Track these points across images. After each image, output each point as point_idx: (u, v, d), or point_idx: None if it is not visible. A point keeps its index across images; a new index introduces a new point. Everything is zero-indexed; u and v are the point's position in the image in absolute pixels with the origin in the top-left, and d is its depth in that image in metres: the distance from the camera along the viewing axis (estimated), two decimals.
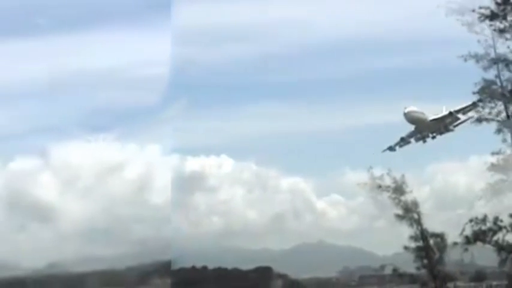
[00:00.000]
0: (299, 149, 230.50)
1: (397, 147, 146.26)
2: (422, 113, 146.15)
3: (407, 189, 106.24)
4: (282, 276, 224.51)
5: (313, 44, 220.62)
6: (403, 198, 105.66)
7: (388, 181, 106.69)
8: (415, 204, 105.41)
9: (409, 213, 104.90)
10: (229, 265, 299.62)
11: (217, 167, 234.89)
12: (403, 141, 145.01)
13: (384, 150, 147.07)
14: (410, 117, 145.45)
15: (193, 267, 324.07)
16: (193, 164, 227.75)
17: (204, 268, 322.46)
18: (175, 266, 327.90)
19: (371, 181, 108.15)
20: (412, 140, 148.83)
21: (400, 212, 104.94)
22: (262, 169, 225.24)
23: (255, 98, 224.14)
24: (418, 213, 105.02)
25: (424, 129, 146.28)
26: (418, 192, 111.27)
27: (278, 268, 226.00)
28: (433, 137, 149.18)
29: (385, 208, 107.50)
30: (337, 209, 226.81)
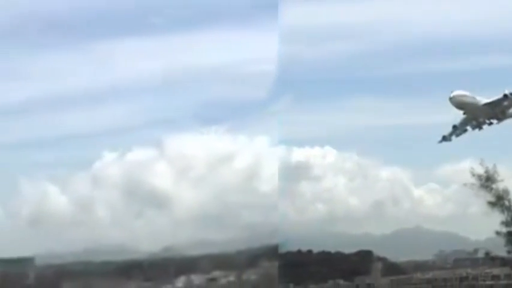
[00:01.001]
0: (398, 141, 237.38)
1: (452, 137, 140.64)
2: (473, 97, 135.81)
3: (499, 178, 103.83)
4: (382, 259, 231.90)
5: (411, 42, 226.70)
6: (494, 186, 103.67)
7: (480, 170, 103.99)
8: (506, 192, 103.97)
9: (501, 200, 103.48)
10: (332, 249, 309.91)
11: (321, 157, 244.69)
12: (457, 129, 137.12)
13: (440, 141, 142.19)
14: (456, 102, 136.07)
15: (299, 251, 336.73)
16: (298, 155, 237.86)
17: (309, 251, 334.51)
18: (282, 250, 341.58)
19: (469, 171, 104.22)
20: (469, 128, 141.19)
21: (492, 199, 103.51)
22: (363, 159, 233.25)
23: (357, 92, 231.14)
24: (509, 201, 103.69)
25: (477, 114, 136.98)
26: (509, 180, 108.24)
27: (378, 251, 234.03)
28: (490, 123, 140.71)
29: (478, 196, 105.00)
30: (433, 196, 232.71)
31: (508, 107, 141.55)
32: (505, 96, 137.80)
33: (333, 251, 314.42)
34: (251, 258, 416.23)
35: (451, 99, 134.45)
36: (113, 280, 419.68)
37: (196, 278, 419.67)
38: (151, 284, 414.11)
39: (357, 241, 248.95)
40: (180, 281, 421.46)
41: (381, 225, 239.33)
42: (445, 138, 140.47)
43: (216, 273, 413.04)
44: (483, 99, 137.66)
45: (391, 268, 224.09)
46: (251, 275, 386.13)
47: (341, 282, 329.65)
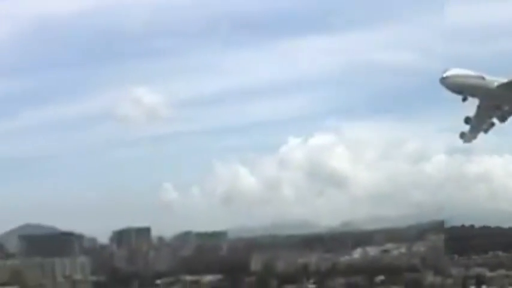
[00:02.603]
0: None
1: (473, 134, 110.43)
2: (479, 77, 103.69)
3: None
4: None
5: None
6: None
7: None
8: None
9: None
10: (492, 223, 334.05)
11: (483, 141, 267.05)
12: (471, 122, 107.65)
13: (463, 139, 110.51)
14: (452, 84, 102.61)
15: (463, 226, 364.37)
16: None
17: (472, 226, 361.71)
18: (448, 225, 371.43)
19: None
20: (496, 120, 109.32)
21: None
22: None
23: None
24: None
25: (491, 100, 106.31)
26: None
27: None
28: None
29: None
30: None
31: None
32: None
33: (493, 225, 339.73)
34: (420, 232, 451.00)
35: (443, 80, 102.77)
36: (297, 251, 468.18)
37: (371, 250, 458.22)
38: (331, 255, 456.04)
39: None
40: (357, 252, 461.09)
41: None
42: (463, 137, 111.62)
43: (388, 246, 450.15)
44: (497, 79, 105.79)
45: None
46: (420, 247, 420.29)
47: (500, 253, 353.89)
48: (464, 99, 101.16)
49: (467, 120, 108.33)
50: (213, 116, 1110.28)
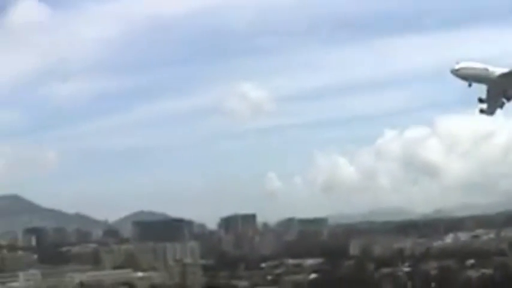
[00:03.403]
0: None
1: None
2: (484, 69, 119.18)
3: None
4: None
5: None
6: None
7: None
8: None
9: None
10: None
11: None
12: (483, 102, 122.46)
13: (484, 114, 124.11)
14: (461, 75, 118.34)
15: None
16: None
17: None
18: None
19: None
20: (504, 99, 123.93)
21: None
22: None
23: None
24: None
25: (495, 86, 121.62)
26: None
27: None
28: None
29: None
30: None
31: None
32: None
33: None
34: (508, 218, 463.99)
35: (455, 72, 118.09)
36: (393, 237, 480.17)
37: (462, 235, 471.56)
38: (424, 240, 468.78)
39: None
40: (449, 237, 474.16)
41: None
42: (482, 112, 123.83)
43: (478, 231, 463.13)
44: (498, 69, 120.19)
45: None
46: (508, 233, 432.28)
47: None
48: (469, 85, 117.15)
49: (481, 100, 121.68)
50: (314, 110, 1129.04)
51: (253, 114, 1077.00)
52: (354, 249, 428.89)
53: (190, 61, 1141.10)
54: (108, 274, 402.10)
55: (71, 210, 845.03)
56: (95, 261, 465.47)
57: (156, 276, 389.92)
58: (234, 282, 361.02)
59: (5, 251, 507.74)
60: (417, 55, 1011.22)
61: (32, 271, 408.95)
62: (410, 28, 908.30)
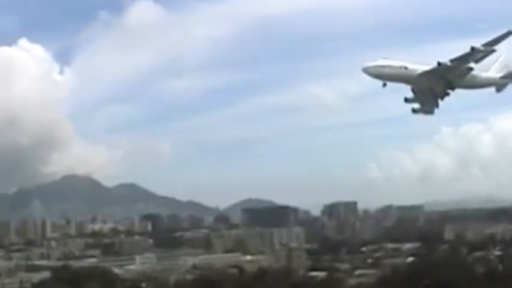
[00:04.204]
0: None
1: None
2: (402, 67, 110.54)
3: None
4: None
5: None
6: None
7: None
8: None
9: None
10: None
11: None
12: (409, 101, 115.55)
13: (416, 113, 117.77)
14: (372, 74, 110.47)
15: None
16: None
17: None
18: None
19: None
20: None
21: None
22: None
23: None
24: None
25: (418, 85, 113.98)
26: None
27: None
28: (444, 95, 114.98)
29: None
30: None
31: (464, 71, 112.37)
32: (439, 64, 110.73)
33: None
34: None
35: (366, 70, 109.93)
36: (484, 223, 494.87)
37: None
38: None
39: None
40: None
41: None
42: (415, 112, 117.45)
43: None
44: (419, 67, 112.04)
45: None
46: None
47: None
48: (384, 85, 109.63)
49: (406, 100, 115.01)
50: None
51: (350, 109, 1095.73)
52: (448, 234, 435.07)
53: (291, 59, 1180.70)
54: (218, 257, 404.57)
55: (184, 197, 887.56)
56: (207, 245, 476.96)
57: (264, 260, 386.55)
58: (336, 265, 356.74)
59: (122, 236, 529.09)
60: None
61: (148, 254, 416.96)
62: (463, 33, 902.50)
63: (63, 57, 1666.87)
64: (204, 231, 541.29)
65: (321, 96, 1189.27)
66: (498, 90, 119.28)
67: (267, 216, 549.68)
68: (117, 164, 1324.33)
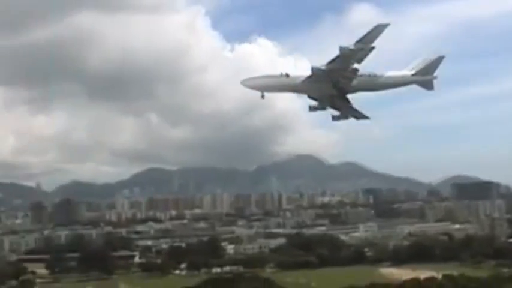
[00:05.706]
0: None
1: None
2: (286, 76, 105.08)
3: None
4: None
5: None
6: None
7: None
8: None
9: None
10: None
11: None
12: (313, 110, 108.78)
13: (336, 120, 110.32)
14: (246, 86, 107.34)
15: None
16: None
17: None
18: None
19: None
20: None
21: None
22: None
23: None
24: None
25: (307, 92, 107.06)
26: None
27: None
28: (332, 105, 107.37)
29: None
30: None
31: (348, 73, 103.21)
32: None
33: None
34: None
35: (243, 83, 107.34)
36: None
37: None
38: None
39: None
40: None
41: None
42: (334, 119, 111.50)
43: None
44: (301, 75, 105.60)
45: None
46: None
47: None
48: (262, 97, 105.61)
49: (310, 108, 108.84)
50: None
51: None
52: None
53: (496, 54, 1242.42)
54: (431, 226, 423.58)
55: (400, 174, 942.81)
56: (421, 215, 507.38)
57: (470, 228, 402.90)
58: None
59: (348, 207, 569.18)
60: None
61: (370, 223, 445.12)
62: None
63: (295, 53, 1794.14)
64: (418, 203, 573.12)
65: None
66: (428, 88, 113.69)
67: (473, 190, 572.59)
68: (338, 144, 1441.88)
